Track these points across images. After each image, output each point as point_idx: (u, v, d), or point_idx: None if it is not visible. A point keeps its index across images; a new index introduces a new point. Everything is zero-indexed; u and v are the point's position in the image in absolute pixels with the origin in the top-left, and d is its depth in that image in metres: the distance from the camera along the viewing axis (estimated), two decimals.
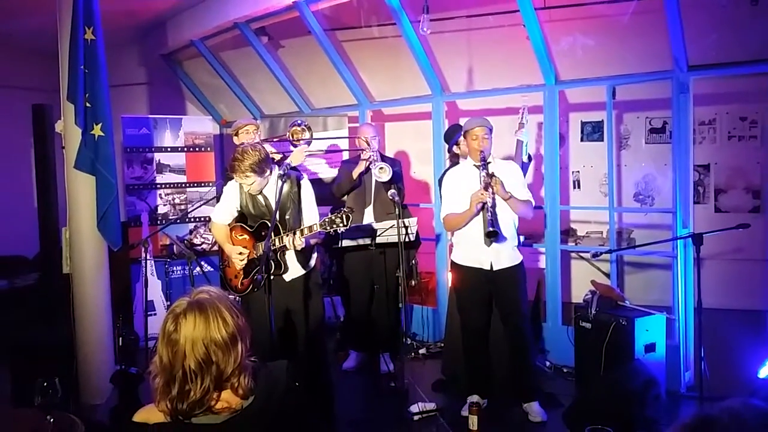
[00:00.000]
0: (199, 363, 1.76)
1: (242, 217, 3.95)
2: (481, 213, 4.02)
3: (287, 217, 3.78)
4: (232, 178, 3.91)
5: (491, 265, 4.13)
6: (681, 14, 4.27)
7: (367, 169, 4.90)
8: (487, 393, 4.33)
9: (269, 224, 3.60)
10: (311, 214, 3.86)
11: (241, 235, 3.91)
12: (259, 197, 3.82)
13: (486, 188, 3.92)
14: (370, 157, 4.86)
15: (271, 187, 3.77)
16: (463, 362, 4.43)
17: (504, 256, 4.15)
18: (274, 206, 3.65)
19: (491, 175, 3.96)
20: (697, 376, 4.32)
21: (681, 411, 4.33)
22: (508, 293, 4.19)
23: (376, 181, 4.93)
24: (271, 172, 3.76)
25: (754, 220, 5.21)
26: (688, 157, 4.59)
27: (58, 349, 4.59)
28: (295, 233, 3.59)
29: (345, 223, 3.40)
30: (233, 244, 3.91)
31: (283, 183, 3.62)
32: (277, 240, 3.64)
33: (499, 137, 5.86)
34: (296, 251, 3.76)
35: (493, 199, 3.94)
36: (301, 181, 3.87)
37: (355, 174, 4.94)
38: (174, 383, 1.76)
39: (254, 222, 3.86)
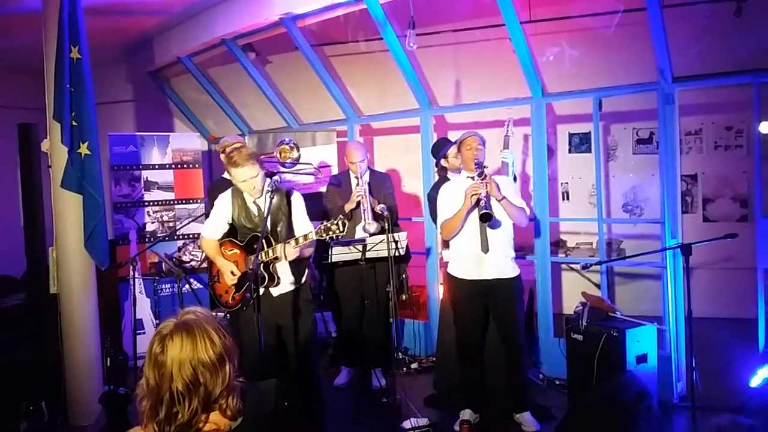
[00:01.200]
0: (186, 385, 1.73)
1: (231, 232, 3.92)
2: (478, 220, 4.05)
3: (279, 229, 3.77)
4: (217, 197, 3.92)
5: (487, 275, 4.13)
6: (665, 26, 4.31)
7: (359, 204, 4.86)
8: (481, 407, 4.31)
9: (261, 237, 3.59)
10: (303, 226, 3.84)
11: (231, 250, 3.88)
12: (253, 208, 3.80)
13: (481, 176, 3.96)
14: (358, 199, 4.83)
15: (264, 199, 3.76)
16: (457, 376, 4.41)
17: (502, 266, 4.15)
18: (264, 219, 3.63)
19: (483, 174, 4.01)
20: (689, 387, 4.31)
21: (673, 422, 4.32)
22: (504, 306, 4.18)
23: (366, 196, 4.94)
24: (264, 175, 3.76)
25: (741, 229, 5.24)
26: (675, 167, 4.62)
27: (46, 369, 4.54)
28: (288, 242, 3.58)
29: (341, 230, 3.41)
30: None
31: (272, 197, 3.60)
32: (270, 251, 3.62)
33: (488, 150, 5.91)
34: (290, 264, 3.75)
35: (487, 195, 3.95)
36: (292, 194, 3.86)
37: (347, 209, 4.92)
38: (161, 406, 1.74)
39: (245, 236, 3.83)
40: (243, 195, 3.79)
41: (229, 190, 3.90)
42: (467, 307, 4.25)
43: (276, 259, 3.66)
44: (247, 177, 3.66)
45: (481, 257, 4.13)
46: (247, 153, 3.65)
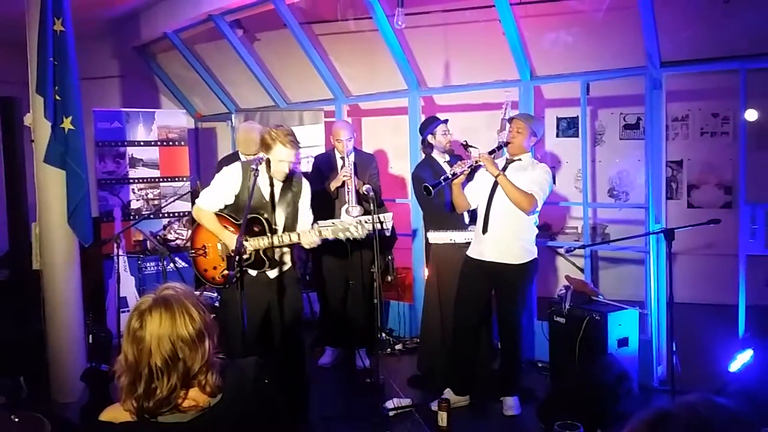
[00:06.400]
0: (165, 360, 1.72)
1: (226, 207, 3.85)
2: (486, 200, 4.15)
3: (285, 216, 3.75)
4: (227, 165, 3.89)
5: (488, 256, 4.12)
6: (654, 10, 4.30)
7: (344, 183, 4.83)
8: (465, 390, 4.34)
9: (263, 220, 3.62)
10: (306, 214, 3.86)
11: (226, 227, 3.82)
12: (265, 190, 3.74)
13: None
14: (344, 179, 4.79)
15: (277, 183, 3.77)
16: (440, 357, 4.44)
17: (503, 250, 4.10)
18: (251, 201, 3.55)
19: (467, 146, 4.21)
20: (669, 370, 4.36)
21: (653, 405, 4.36)
22: (505, 292, 4.19)
23: (352, 177, 4.91)
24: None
25: (725, 216, 5.26)
26: (661, 152, 4.64)
27: (29, 346, 4.52)
28: (311, 231, 3.62)
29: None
30: None
31: (256, 177, 3.57)
32: (275, 239, 3.61)
33: (476, 132, 5.91)
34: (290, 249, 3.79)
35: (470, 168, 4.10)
36: (305, 182, 3.87)
37: (333, 187, 4.89)
38: (140, 381, 1.73)
39: (243, 216, 3.75)
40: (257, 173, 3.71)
41: (240, 164, 3.81)
42: (467, 285, 4.23)
43: (291, 246, 3.69)
44: (289, 159, 3.66)
45: (481, 238, 4.14)
46: (294, 138, 3.66)
